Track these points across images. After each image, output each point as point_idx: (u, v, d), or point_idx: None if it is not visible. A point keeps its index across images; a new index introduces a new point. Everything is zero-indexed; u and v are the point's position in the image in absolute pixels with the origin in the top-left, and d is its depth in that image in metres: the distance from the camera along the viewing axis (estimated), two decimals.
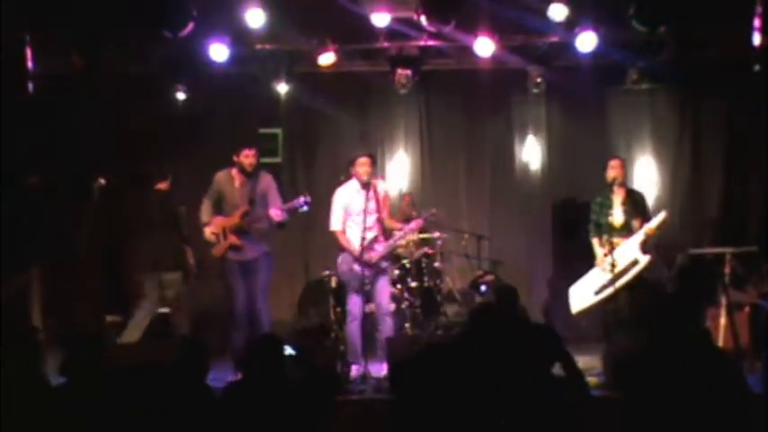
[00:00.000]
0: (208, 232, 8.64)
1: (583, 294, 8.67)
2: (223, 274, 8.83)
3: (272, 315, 8.91)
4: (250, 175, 8.68)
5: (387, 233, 8.62)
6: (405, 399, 4.76)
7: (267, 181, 8.75)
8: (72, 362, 5.00)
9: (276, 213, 8.48)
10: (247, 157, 8.65)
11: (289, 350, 8.23)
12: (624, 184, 8.77)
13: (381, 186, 8.68)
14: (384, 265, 8.49)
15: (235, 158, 8.72)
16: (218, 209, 8.73)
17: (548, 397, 4.22)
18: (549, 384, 4.30)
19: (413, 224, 8.70)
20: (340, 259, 8.57)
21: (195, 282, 9.51)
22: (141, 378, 5.40)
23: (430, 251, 10.01)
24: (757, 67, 9.41)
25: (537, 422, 4.18)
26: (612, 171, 8.69)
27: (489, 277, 10.27)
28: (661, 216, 8.39)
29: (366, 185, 8.41)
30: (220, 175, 8.78)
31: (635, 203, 8.64)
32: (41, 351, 5.19)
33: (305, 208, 8.53)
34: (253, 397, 5.01)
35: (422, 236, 9.87)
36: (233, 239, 8.57)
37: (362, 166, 8.41)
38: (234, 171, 8.73)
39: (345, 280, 8.61)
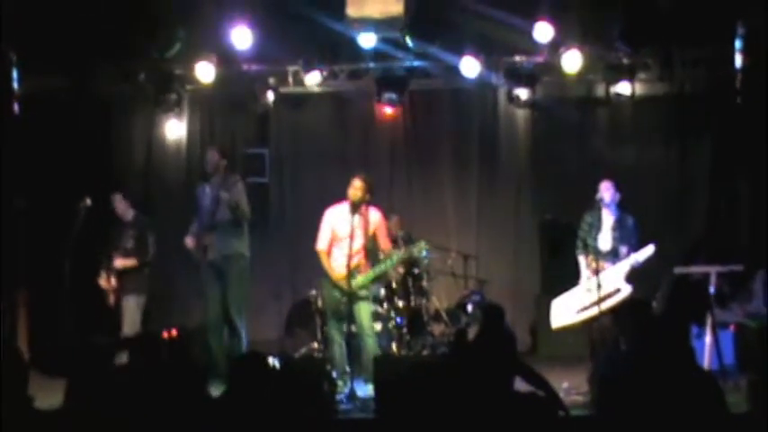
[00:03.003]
0: (188, 241, 8.87)
1: (565, 311, 8.66)
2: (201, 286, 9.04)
3: (251, 330, 9.21)
4: (215, 182, 8.82)
5: (373, 260, 8.58)
6: (392, 418, 4.76)
7: (234, 182, 8.88)
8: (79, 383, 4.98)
9: (223, 194, 8.67)
10: (208, 160, 8.90)
11: (271, 361, 8.29)
12: (616, 206, 8.69)
13: (375, 216, 8.55)
14: (363, 293, 8.41)
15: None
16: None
17: (517, 414, 4.20)
18: (515, 401, 4.28)
19: (394, 258, 8.58)
20: (322, 281, 8.57)
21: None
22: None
23: (417, 270, 10.01)
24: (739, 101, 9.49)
25: None
26: (602, 193, 8.64)
27: (476, 297, 10.27)
28: (649, 250, 8.35)
29: (355, 209, 8.36)
30: (198, 191, 9.02)
31: (624, 229, 8.57)
32: (27, 374, 5.15)
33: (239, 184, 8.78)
34: (238, 411, 5.00)
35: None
36: (207, 240, 8.80)
37: (352, 187, 8.34)
38: (208, 182, 8.93)
39: (324, 303, 8.69)
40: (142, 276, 8.93)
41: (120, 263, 8.78)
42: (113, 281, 8.78)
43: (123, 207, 8.92)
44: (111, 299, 8.86)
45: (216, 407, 5.26)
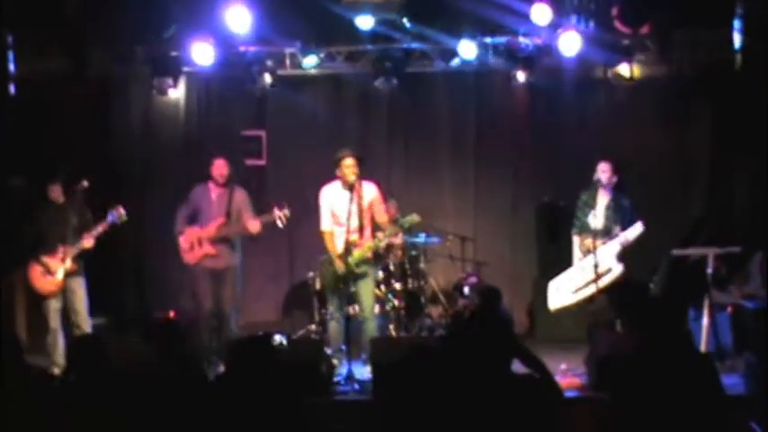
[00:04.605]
0: (182, 241, 8.98)
1: (562, 292, 8.67)
2: (190, 281, 9.19)
3: (250, 313, 9.85)
4: (224, 186, 9.00)
5: (372, 235, 8.59)
6: (389, 400, 4.76)
7: (241, 196, 9.09)
8: (76, 362, 5.00)
9: (254, 225, 8.80)
10: (218, 167, 9.00)
11: (278, 338, 8.33)
12: (612, 186, 8.68)
13: (370, 190, 8.57)
14: (363, 269, 8.42)
15: (210, 171, 9.02)
16: (193, 220, 9.07)
17: (515, 395, 4.21)
18: (512, 382, 4.29)
19: (387, 231, 8.59)
20: (323, 259, 8.61)
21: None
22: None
23: (414, 252, 10.02)
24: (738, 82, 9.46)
25: (510, 423, 4.17)
26: (599, 174, 8.63)
27: (473, 279, 10.27)
28: (638, 228, 8.34)
29: (351, 187, 8.37)
30: (196, 189, 9.12)
31: (619, 209, 8.56)
32: (23, 353, 5.17)
33: (279, 223, 8.84)
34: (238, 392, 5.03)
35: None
36: (209, 249, 8.92)
37: (348, 167, 8.35)
38: (210, 184, 9.06)
39: (324, 281, 8.73)
40: (85, 257, 8.91)
41: (88, 242, 8.71)
42: (69, 263, 8.70)
43: (58, 194, 8.83)
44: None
45: (214, 388, 5.28)
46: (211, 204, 9.00)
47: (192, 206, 9.08)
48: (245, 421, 4.89)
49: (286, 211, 8.74)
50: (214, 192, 9.02)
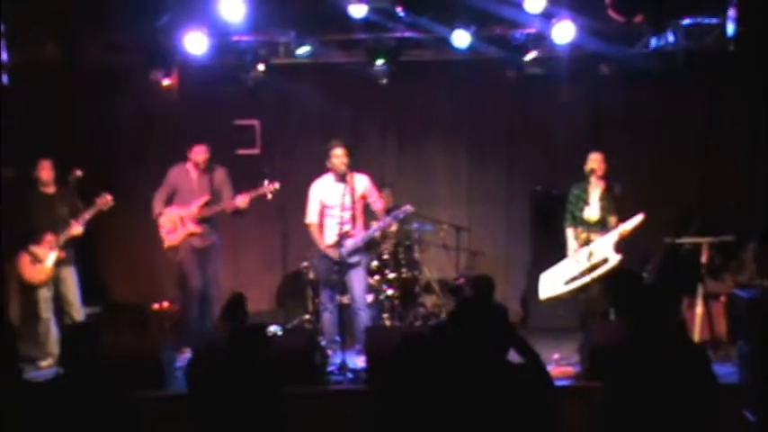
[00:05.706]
0: (164, 221, 8.97)
1: (553, 282, 8.67)
2: (177, 262, 9.16)
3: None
4: (204, 170, 9.04)
5: (366, 226, 8.60)
6: (383, 389, 4.76)
7: (221, 174, 9.16)
8: (71, 353, 4.98)
9: (242, 200, 8.86)
10: (199, 154, 9.05)
11: (273, 328, 8.35)
12: (604, 176, 8.69)
13: (362, 181, 8.57)
14: (355, 260, 8.43)
15: (188, 155, 9.06)
16: (170, 202, 9.10)
17: (510, 385, 4.21)
18: (509, 372, 4.29)
19: (382, 222, 8.61)
20: (313, 251, 8.64)
21: None
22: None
23: (408, 242, 10.02)
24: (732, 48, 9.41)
25: (504, 412, 4.18)
26: (591, 164, 8.65)
27: (462, 280, 10.25)
28: (637, 219, 8.34)
29: (342, 178, 8.37)
30: (174, 170, 9.15)
31: (613, 199, 8.56)
32: (16, 344, 5.15)
33: (269, 196, 8.88)
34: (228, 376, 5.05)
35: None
36: (194, 228, 8.96)
37: (338, 157, 8.37)
38: (188, 165, 9.11)
39: (316, 273, 8.75)
40: (76, 247, 8.90)
41: (76, 229, 8.71)
42: (58, 251, 8.69)
43: (48, 173, 8.82)
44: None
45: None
46: (193, 185, 9.04)
47: (171, 188, 9.10)
48: (234, 408, 4.91)
49: (276, 185, 8.74)
50: (194, 172, 9.08)
